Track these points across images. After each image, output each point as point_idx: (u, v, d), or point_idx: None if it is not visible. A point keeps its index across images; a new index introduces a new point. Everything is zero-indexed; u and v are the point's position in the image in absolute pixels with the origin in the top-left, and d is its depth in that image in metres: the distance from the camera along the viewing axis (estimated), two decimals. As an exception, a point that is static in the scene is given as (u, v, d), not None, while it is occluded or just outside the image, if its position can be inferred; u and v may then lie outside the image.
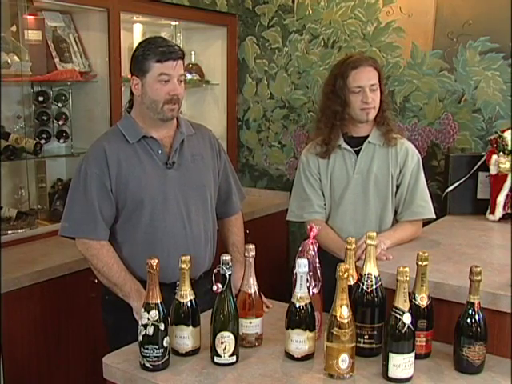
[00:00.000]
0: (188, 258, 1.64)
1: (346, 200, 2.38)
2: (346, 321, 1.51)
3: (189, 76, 3.67)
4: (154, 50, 1.95)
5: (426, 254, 1.62)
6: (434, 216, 2.42)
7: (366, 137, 2.38)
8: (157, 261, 1.57)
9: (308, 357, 1.63)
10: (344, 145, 2.38)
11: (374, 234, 1.67)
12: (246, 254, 1.69)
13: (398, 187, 2.39)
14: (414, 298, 1.64)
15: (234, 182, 2.32)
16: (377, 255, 1.70)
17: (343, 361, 1.52)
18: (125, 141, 2.04)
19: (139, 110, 2.06)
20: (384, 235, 2.24)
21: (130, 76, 2.06)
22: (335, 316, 1.52)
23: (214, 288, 1.63)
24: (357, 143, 2.38)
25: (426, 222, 3.10)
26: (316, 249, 1.75)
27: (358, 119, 2.34)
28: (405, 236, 2.33)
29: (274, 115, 3.86)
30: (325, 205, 2.42)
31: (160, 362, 1.58)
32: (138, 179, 2.02)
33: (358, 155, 2.38)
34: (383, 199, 2.38)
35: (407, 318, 1.52)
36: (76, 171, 2.05)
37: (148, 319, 1.56)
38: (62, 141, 3.16)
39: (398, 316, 1.52)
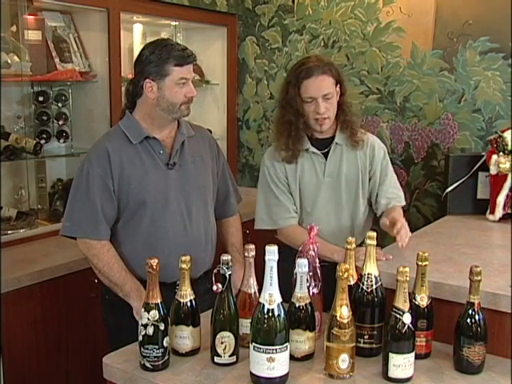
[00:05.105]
0: (188, 257, 1.64)
1: (319, 204, 2.29)
2: (345, 321, 1.51)
3: (189, 76, 3.67)
4: (171, 53, 1.96)
5: (426, 254, 1.62)
6: (405, 203, 2.38)
7: (332, 137, 2.28)
8: (157, 261, 1.57)
9: (308, 357, 1.63)
10: (312, 148, 2.27)
11: (374, 234, 1.67)
12: (246, 254, 1.68)
13: (369, 180, 2.33)
14: (414, 298, 1.64)
15: (232, 184, 2.34)
16: (376, 255, 1.70)
17: (343, 361, 1.52)
18: (127, 141, 2.04)
19: (148, 112, 2.04)
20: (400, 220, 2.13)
21: (130, 76, 2.05)
22: (335, 316, 1.52)
23: (214, 288, 1.63)
24: (323, 145, 2.28)
25: (426, 222, 3.10)
26: (316, 249, 1.75)
27: (313, 128, 2.24)
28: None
29: (273, 115, 3.85)
30: (297, 209, 2.33)
31: (160, 362, 1.58)
32: (140, 180, 2.02)
33: (326, 158, 2.28)
34: (354, 201, 2.31)
35: (407, 318, 1.52)
36: (78, 171, 2.04)
37: (148, 319, 1.56)
38: (62, 141, 3.16)
39: (398, 316, 1.52)
